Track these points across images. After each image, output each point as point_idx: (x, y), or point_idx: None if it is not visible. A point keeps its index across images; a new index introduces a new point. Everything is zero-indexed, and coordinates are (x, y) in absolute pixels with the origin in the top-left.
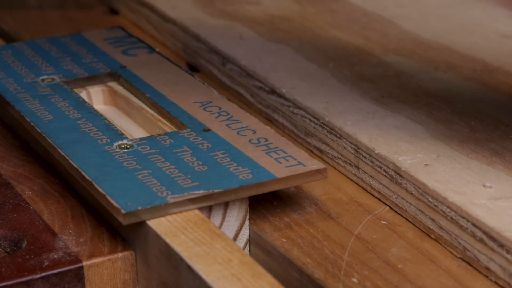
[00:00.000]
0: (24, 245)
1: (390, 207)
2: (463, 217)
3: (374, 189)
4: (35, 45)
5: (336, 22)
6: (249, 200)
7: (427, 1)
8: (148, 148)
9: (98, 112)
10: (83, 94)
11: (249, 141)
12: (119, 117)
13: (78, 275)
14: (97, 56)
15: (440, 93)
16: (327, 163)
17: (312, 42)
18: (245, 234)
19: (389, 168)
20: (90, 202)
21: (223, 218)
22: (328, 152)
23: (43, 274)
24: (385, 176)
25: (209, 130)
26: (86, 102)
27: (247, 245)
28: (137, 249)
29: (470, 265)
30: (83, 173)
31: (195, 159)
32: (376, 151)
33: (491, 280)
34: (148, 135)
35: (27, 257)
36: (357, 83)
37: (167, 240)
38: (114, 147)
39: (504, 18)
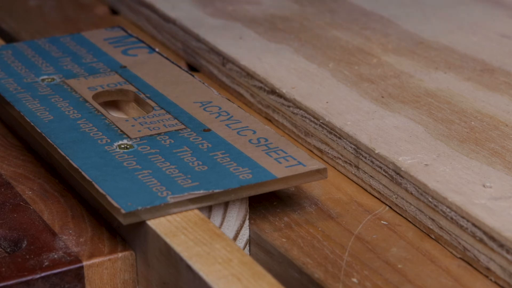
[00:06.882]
0: (24, 245)
1: (390, 207)
2: (463, 217)
3: (374, 189)
4: (35, 45)
5: (336, 22)
6: (249, 200)
7: (427, 1)
8: (148, 148)
9: (98, 112)
10: None
11: (249, 141)
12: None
13: (78, 275)
14: (97, 56)
15: (440, 93)
16: (327, 163)
17: (312, 42)
18: (245, 234)
19: (389, 168)
20: (90, 202)
21: (223, 218)
22: (328, 152)
23: (43, 274)
24: (385, 176)
25: (209, 130)
26: (86, 102)
27: (247, 245)
28: (137, 249)
29: (470, 265)
30: (83, 173)
31: (195, 159)
32: (376, 151)
33: (491, 280)
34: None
35: (27, 257)
36: (357, 83)
37: (167, 240)
38: (114, 147)
39: (504, 18)
